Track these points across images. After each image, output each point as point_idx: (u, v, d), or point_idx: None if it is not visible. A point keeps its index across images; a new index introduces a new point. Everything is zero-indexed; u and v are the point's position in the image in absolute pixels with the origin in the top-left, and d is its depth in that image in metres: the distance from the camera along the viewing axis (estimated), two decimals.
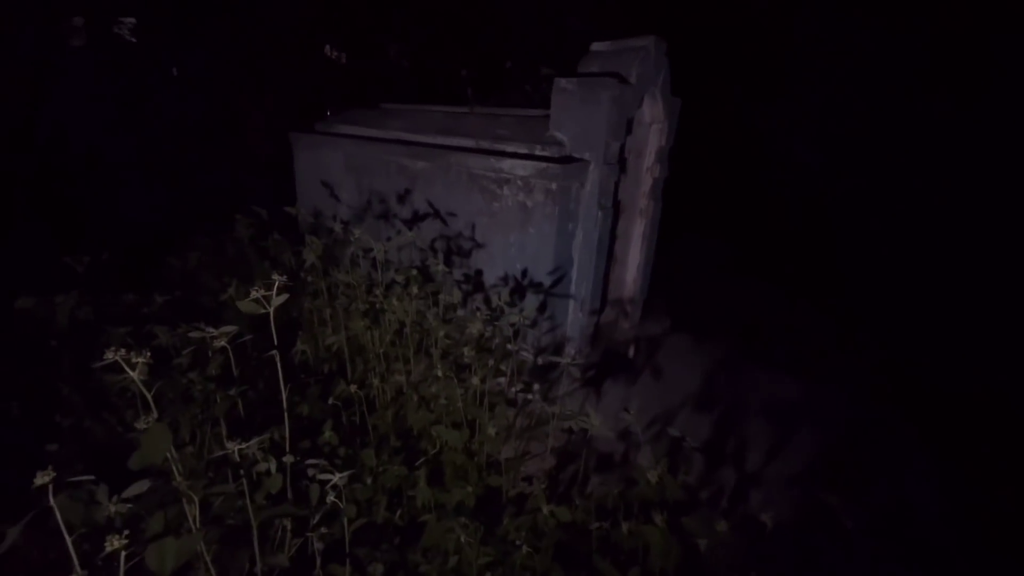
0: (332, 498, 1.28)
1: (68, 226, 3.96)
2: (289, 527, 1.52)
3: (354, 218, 2.94)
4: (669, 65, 2.41)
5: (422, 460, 1.78)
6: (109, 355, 1.10)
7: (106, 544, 0.90)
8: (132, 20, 8.40)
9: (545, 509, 1.48)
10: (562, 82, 2.24)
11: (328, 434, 1.72)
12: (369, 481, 1.66)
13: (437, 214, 2.52)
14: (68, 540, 0.94)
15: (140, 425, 1.38)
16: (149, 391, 1.17)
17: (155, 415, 1.19)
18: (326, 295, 2.21)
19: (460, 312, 2.29)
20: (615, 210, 2.44)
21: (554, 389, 2.22)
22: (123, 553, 0.91)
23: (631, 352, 2.74)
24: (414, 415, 1.88)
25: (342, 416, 1.92)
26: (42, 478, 0.91)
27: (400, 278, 2.05)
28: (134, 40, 8.10)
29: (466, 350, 1.78)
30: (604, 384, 2.45)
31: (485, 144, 2.49)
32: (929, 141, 4.39)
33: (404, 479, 1.74)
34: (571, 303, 2.37)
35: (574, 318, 2.39)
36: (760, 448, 2.11)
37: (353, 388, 1.78)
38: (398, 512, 1.71)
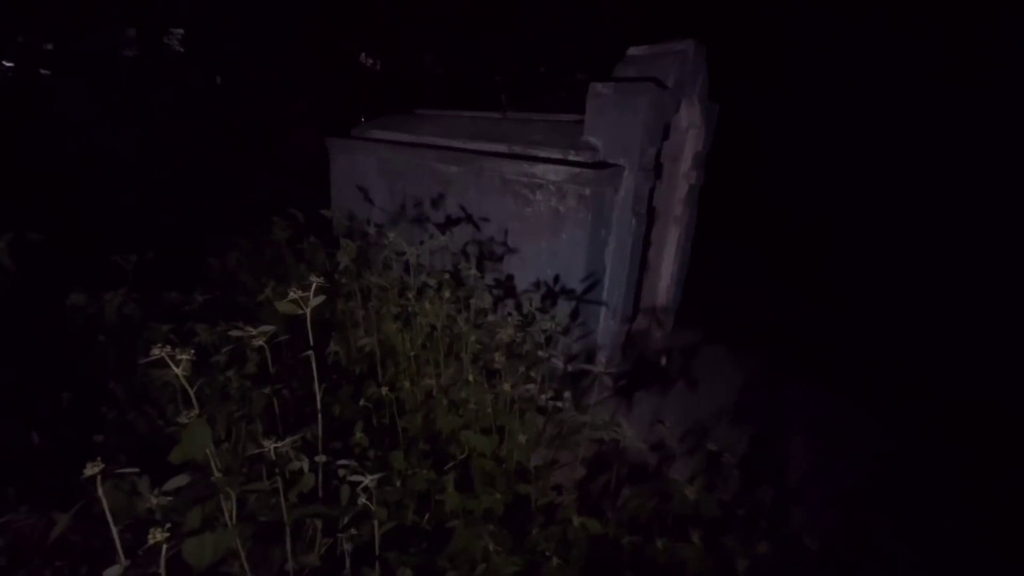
0: (364, 500, 1.28)
1: (115, 226, 4.15)
2: (319, 527, 1.54)
3: (387, 221, 2.97)
4: (707, 69, 2.36)
5: (451, 465, 1.77)
6: (155, 351, 1.13)
7: (149, 537, 0.92)
8: (180, 31, 8.81)
9: (576, 520, 1.45)
10: (598, 87, 2.22)
11: (359, 435, 1.73)
12: (398, 484, 1.66)
13: (469, 219, 2.53)
14: (114, 530, 0.97)
15: (181, 420, 1.42)
16: (191, 387, 1.19)
17: (196, 411, 1.21)
18: (359, 297, 2.24)
19: (490, 317, 2.28)
20: (649, 217, 2.39)
21: (585, 397, 2.19)
22: (164, 546, 0.93)
23: (663, 361, 2.67)
24: (443, 419, 1.88)
25: (373, 418, 1.93)
26: (92, 469, 0.94)
27: (433, 282, 2.06)
28: (182, 50, 8.50)
29: (497, 356, 1.77)
30: (635, 394, 2.39)
31: (518, 149, 2.49)
32: (956, 146, 4.20)
33: (432, 483, 1.74)
34: (602, 310, 2.33)
35: (605, 326, 2.35)
36: (800, 466, 2.02)
37: (384, 390, 1.79)
38: (425, 516, 1.70)
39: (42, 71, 8.87)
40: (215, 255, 2.95)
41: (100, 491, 0.96)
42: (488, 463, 1.79)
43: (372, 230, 2.36)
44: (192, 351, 1.15)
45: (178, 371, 1.15)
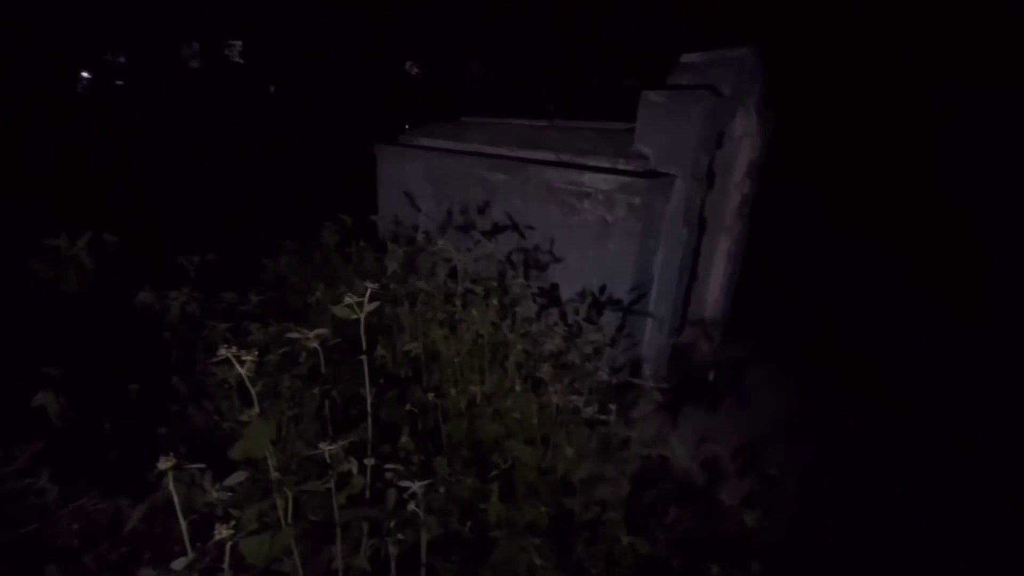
0: (413, 507, 1.28)
1: (180, 228, 4.38)
2: (366, 529, 1.55)
3: (433, 228, 3.01)
4: (766, 75, 2.28)
5: (494, 473, 1.77)
6: (222, 351, 1.18)
7: (215, 532, 0.95)
8: (239, 43, 9.29)
9: (624, 540, 1.41)
10: (650, 95, 2.18)
11: (405, 439, 1.75)
12: (442, 491, 1.66)
13: (515, 227, 2.53)
14: (183, 524, 1.00)
15: (242, 418, 1.47)
16: (253, 387, 1.23)
17: (257, 409, 1.25)
18: (406, 302, 2.27)
19: (534, 326, 2.27)
20: (700, 227, 2.33)
21: (630, 411, 2.14)
22: (229, 543, 0.96)
23: (711, 376, 2.59)
24: (487, 427, 1.88)
25: (418, 423, 1.95)
26: (164, 464, 0.98)
27: (480, 289, 2.06)
28: (241, 61, 8.95)
29: (544, 366, 1.75)
30: (682, 409, 2.32)
31: (565, 157, 2.47)
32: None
33: (475, 491, 1.73)
34: (649, 322, 2.28)
35: (652, 338, 2.29)
36: (860, 495, 1.90)
37: (431, 396, 1.80)
38: (467, 524, 1.70)
39: (117, 82, 9.53)
40: (268, 257, 3.07)
41: (172, 486, 1.00)
42: (532, 474, 1.77)
43: (420, 236, 2.39)
44: (256, 353, 1.19)
45: (242, 371, 1.19)
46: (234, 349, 1.19)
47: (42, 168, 4.37)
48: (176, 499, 1.00)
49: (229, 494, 1.28)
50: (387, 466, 1.55)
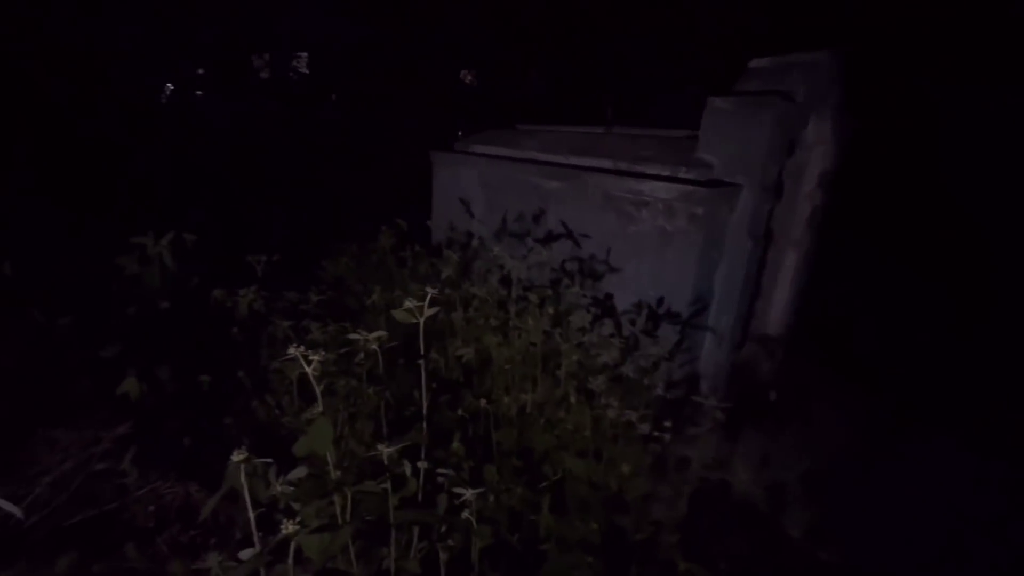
0: (467, 514, 1.28)
1: (244, 230, 4.64)
2: (416, 532, 1.57)
3: (486, 234, 3.03)
4: (846, 80, 2.15)
5: (545, 484, 1.74)
6: (291, 350, 1.22)
7: (282, 527, 0.98)
8: (306, 54, 9.78)
9: (681, 565, 1.34)
10: (716, 101, 2.10)
11: (456, 445, 1.75)
12: (492, 499, 1.65)
13: (569, 235, 2.50)
14: (251, 515, 1.04)
15: (305, 415, 1.51)
16: (319, 386, 1.27)
17: (320, 407, 1.29)
18: (460, 307, 2.29)
19: (586, 337, 2.23)
20: (766, 239, 2.22)
21: (687, 429, 2.05)
22: (294, 540, 0.98)
23: (773, 396, 2.45)
24: (538, 437, 1.85)
25: (468, 428, 1.95)
26: (238, 456, 1.02)
27: (535, 297, 2.05)
28: (307, 71, 9.43)
29: (600, 378, 1.71)
30: (743, 429, 2.21)
31: (623, 165, 2.42)
32: None
33: (525, 501, 1.71)
34: (709, 337, 2.18)
35: (711, 353, 2.20)
36: (936, 532, 1.73)
37: (483, 402, 1.80)
38: (515, 535, 1.68)
39: (197, 92, 10.27)
40: (327, 259, 3.19)
41: (243, 479, 1.04)
42: (583, 488, 1.73)
43: (475, 243, 2.41)
44: (323, 352, 1.23)
45: (309, 370, 1.22)
46: (302, 348, 1.22)
47: (135, 171, 4.76)
48: (246, 492, 1.04)
49: (291, 488, 1.33)
50: (439, 471, 1.55)
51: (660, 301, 2.14)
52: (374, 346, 1.57)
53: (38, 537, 1.41)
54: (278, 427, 2.11)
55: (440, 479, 1.54)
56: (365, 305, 2.67)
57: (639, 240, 2.22)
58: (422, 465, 1.52)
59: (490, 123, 3.91)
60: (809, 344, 2.75)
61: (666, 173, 2.22)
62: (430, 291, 1.45)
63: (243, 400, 2.19)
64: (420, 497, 1.57)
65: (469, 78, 8.39)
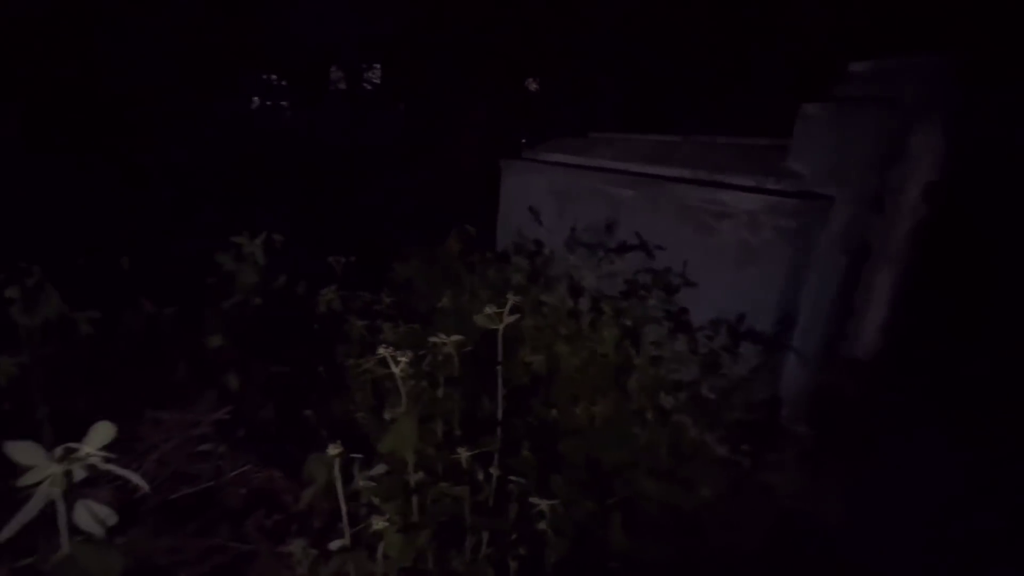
0: (543, 525, 1.27)
1: (323, 231, 4.91)
2: (486, 538, 1.57)
3: (555, 242, 3.03)
4: (961, 86, 1.97)
5: (613, 501, 1.69)
6: (381, 350, 1.26)
7: (373, 523, 1.01)
8: (378, 65, 10.26)
9: None
10: (809, 108, 1.99)
11: (526, 453, 1.74)
12: (561, 511, 1.63)
13: (642, 246, 2.45)
14: (344, 508, 1.08)
15: (388, 414, 1.56)
16: (404, 386, 1.30)
17: (405, 407, 1.32)
18: (529, 315, 2.29)
19: (660, 351, 2.16)
20: (861, 255, 2.06)
21: (768, 455, 1.94)
22: (383, 539, 1.01)
23: (862, 424, 2.26)
24: (608, 451, 1.81)
25: (536, 436, 1.94)
26: (333, 450, 1.07)
27: (608, 308, 2.02)
28: (378, 82, 9.88)
29: (679, 396, 1.65)
30: (829, 458, 2.06)
31: (702, 175, 2.34)
32: None
33: (592, 516, 1.67)
34: (793, 358, 2.06)
35: (795, 376, 2.07)
36: None
37: (554, 412, 1.79)
38: (582, 549, 1.64)
39: (281, 103, 11.03)
40: (399, 261, 3.30)
41: (336, 471, 1.08)
42: (653, 507, 1.67)
43: (547, 251, 2.41)
44: (410, 354, 1.26)
45: (396, 371, 1.26)
46: (391, 349, 1.27)
47: (229, 177, 5.18)
48: (339, 486, 1.08)
49: (372, 484, 1.37)
50: (511, 478, 1.55)
51: (741, 318, 2.04)
52: (451, 350, 1.61)
53: (147, 508, 1.54)
54: (353, 422, 2.19)
55: (510, 486, 1.55)
56: (435, 308, 2.73)
57: (718, 253, 2.13)
58: (494, 471, 1.52)
59: (557, 131, 3.91)
60: (904, 370, 2.53)
61: (750, 184, 2.12)
62: (511, 297, 1.46)
63: (320, 393, 2.31)
64: (491, 503, 1.57)
65: (535, 86, 8.46)
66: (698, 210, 2.18)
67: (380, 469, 1.36)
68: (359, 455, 1.26)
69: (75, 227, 2.91)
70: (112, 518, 1.00)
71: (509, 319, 1.45)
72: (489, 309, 1.47)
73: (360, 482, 1.37)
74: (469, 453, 1.32)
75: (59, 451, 0.94)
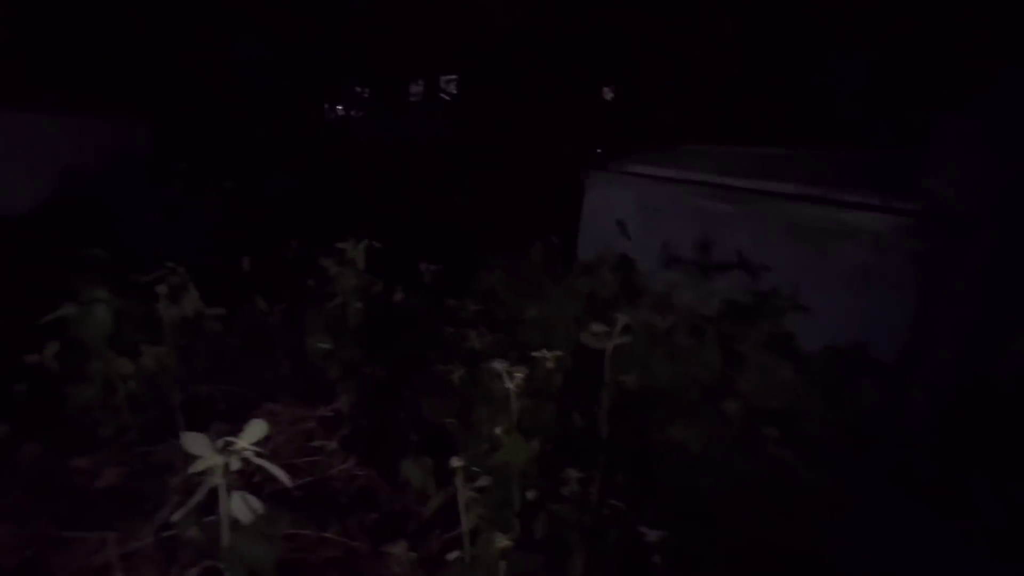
0: (658, 560, 1.22)
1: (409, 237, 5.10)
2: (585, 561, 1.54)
3: (641, 257, 2.96)
4: None
5: (717, 534, 1.61)
6: (496, 364, 1.28)
7: (496, 540, 1.02)
8: (454, 76, 10.60)
9: None
10: (948, 119, 1.81)
11: (627, 476, 1.70)
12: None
13: (743, 265, 2.33)
14: (465, 522, 1.10)
15: (497, 429, 1.57)
16: (515, 400, 1.31)
17: (515, 421, 1.33)
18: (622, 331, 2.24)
19: (761, 377, 2.04)
20: (1005, 281, 1.84)
21: (886, 490, 1.77)
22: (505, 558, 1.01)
23: (994, 465, 2.01)
24: (709, 479, 1.73)
25: (634, 459, 1.89)
26: (457, 462, 1.09)
27: (710, 329, 1.93)
28: (455, 92, 10.20)
29: (775, 427, 1.55)
30: (953, 502, 1.84)
31: (816, 191, 2.19)
32: None
33: (697, 548, 1.60)
34: (920, 392, 1.87)
35: (921, 408, 1.87)
36: None
37: (650, 434, 1.73)
38: None
39: (357, 112, 11.66)
40: (482, 271, 3.36)
41: (460, 483, 1.10)
42: (763, 539, 1.57)
43: (640, 267, 2.35)
44: (527, 370, 1.27)
45: (511, 386, 1.27)
46: (506, 364, 1.28)
47: (319, 185, 5.54)
48: (462, 497, 1.10)
49: (475, 495, 1.38)
50: (611, 501, 1.52)
51: (861, 346, 1.88)
52: (552, 365, 1.60)
53: (263, 496, 1.65)
54: (440, 427, 2.24)
55: (607, 510, 1.51)
56: (522, 318, 2.75)
57: (834, 276, 1.98)
58: (595, 493, 1.49)
59: (635, 141, 3.82)
60: None
61: (875, 202, 1.95)
62: (621, 318, 1.43)
63: (412, 397, 2.38)
64: (594, 525, 1.54)
65: (611, 95, 8.37)
66: (812, 229, 2.05)
67: (484, 481, 1.37)
68: (476, 469, 1.27)
69: (199, 227, 3.25)
70: (260, 508, 1.08)
71: (620, 340, 1.42)
72: (597, 327, 1.45)
73: (465, 493, 1.39)
74: (579, 475, 1.30)
75: (220, 443, 1.03)
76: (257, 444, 1.12)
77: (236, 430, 2.09)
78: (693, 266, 2.50)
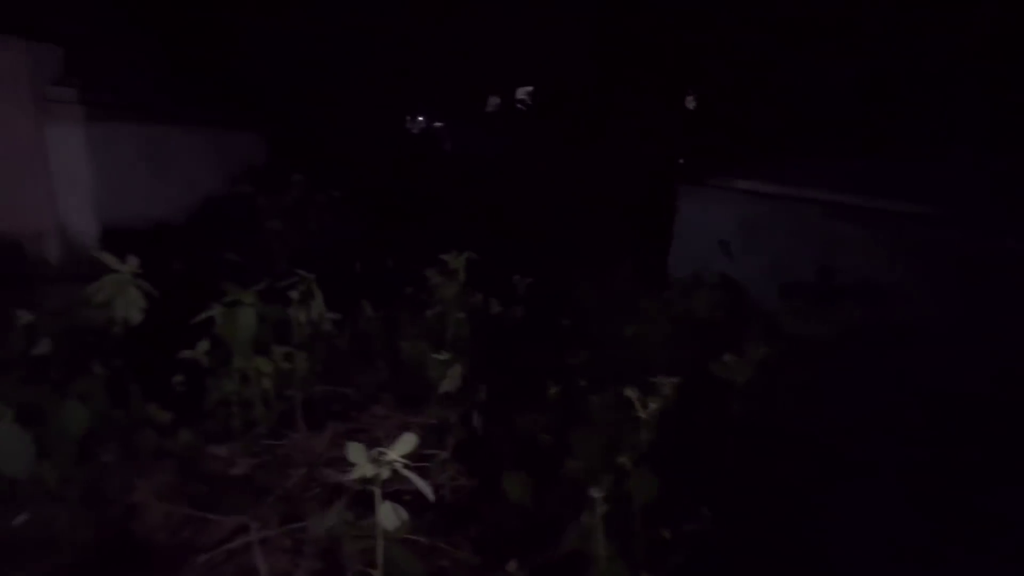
0: None
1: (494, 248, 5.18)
2: None
3: (742, 277, 2.81)
4: None
5: None
6: (628, 392, 1.25)
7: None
8: (529, 88, 10.72)
9: None
10: None
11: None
12: None
13: (866, 290, 2.15)
14: (601, 553, 1.08)
15: (621, 460, 1.55)
16: (643, 431, 1.28)
17: (644, 452, 1.29)
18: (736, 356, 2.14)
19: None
20: None
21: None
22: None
23: None
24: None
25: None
26: (597, 492, 1.08)
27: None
28: (530, 103, 10.31)
29: None
30: None
31: (966, 214, 1.98)
32: None
33: None
34: None
35: None
36: None
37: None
38: None
39: (436, 123, 12.09)
40: (573, 286, 3.34)
41: (598, 517, 1.09)
42: None
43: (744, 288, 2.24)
44: (655, 405, 1.23)
45: (643, 414, 1.24)
46: (637, 392, 1.25)
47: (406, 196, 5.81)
48: (600, 529, 1.09)
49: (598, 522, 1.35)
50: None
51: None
52: (669, 391, 1.55)
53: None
54: (533, 439, 2.23)
55: None
56: (614, 335, 2.70)
57: (987, 308, 1.78)
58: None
59: (752, 156, 3.61)
60: None
61: None
62: (758, 348, 1.36)
63: (505, 409, 2.40)
64: None
65: (694, 104, 8.07)
66: (961, 259, 1.85)
67: (603, 509, 1.34)
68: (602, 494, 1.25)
69: (315, 233, 3.52)
70: (406, 517, 1.13)
71: (752, 372, 1.35)
72: (728, 358, 1.38)
73: (594, 521, 1.37)
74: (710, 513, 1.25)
75: (374, 453, 1.09)
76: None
77: (351, 430, 2.20)
78: (811, 291, 2.34)
